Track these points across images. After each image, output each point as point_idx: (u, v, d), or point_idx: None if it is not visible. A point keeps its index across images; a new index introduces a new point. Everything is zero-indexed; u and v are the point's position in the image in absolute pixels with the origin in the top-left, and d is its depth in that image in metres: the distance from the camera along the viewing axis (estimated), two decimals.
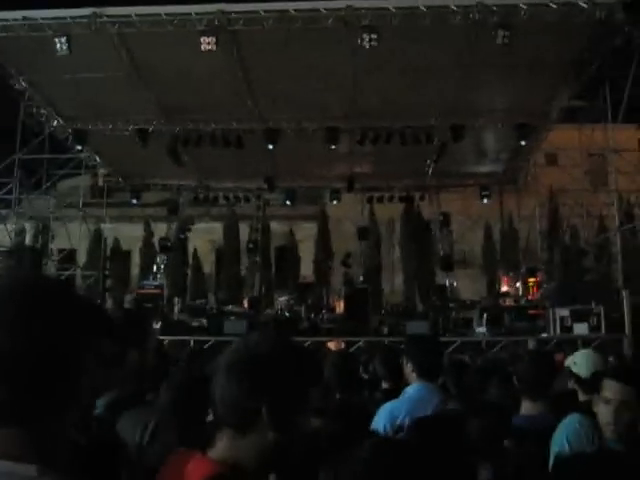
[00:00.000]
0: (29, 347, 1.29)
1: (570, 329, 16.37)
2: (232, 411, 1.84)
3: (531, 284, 21.01)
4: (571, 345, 14.81)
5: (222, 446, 1.85)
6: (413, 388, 4.47)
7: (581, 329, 16.27)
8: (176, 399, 2.95)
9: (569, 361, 4.82)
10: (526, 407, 4.12)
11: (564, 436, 3.47)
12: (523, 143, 19.28)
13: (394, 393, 4.71)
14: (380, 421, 4.19)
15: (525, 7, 14.09)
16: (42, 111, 19.10)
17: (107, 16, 14.80)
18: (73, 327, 1.36)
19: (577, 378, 4.70)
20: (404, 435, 3.51)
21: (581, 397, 4.58)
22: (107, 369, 2.47)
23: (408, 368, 4.55)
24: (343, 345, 16.84)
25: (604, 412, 3.20)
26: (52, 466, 1.29)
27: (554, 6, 13.98)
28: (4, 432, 1.30)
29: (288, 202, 24.63)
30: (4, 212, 24.76)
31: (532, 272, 21.62)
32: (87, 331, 1.39)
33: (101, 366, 1.46)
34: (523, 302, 19.93)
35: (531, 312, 18.39)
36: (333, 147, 18.72)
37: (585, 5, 13.90)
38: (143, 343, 2.91)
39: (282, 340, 2.00)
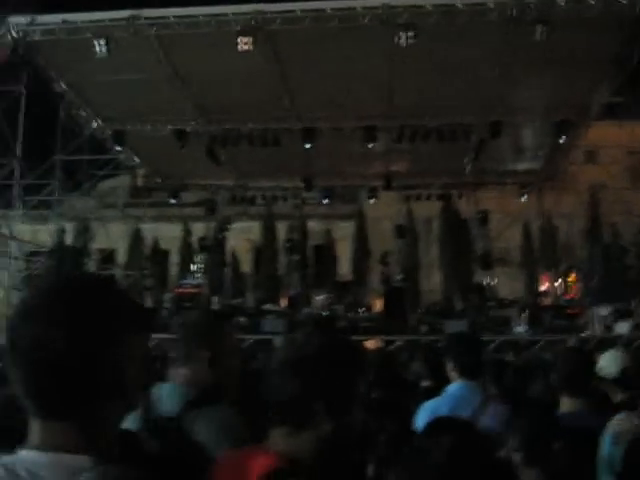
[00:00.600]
0: (74, 342, 1.33)
1: (611, 328, 16.20)
2: (289, 408, 1.87)
3: (571, 282, 20.81)
4: (612, 344, 14.66)
5: (279, 441, 1.88)
6: (454, 387, 4.46)
7: (622, 328, 16.07)
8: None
9: (601, 362, 4.76)
10: (565, 404, 4.07)
11: (614, 437, 3.42)
12: (562, 140, 19.06)
13: (435, 391, 4.70)
14: (422, 419, 4.18)
15: (563, 2, 13.96)
16: (82, 113, 19.33)
17: (145, 18, 14.94)
18: (116, 322, 1.40)
19: (607, 380, 4.64)
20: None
21: (618, 397, 4.51)
22: (155, 363, 2.54)
23: (449, 367, 4.54)
24: (381, 344, 16.84)
25: None
26: (105, 457, 1.33)
27: (593, 1, 13.83)
28: (58, 425, 1.35)
29: (325, 201, 24.70)
30: (45, 213, 25.15)
31: (572, 270, 21.41)
32: (129, 326, 1.43)
33: (147, 360, 1.50)
34: (563, 301, 19.73)
35: (571, 311, 18.21)
36: (370, 145, 18.70)
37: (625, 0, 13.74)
38: (218, 344, 2.94)
39: (329, 335, 2.03)
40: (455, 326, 16.73)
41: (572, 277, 20.99)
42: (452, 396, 4.37)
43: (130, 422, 1.73)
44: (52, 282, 1.48)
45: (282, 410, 1.88)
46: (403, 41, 14.05)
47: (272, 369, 1.96)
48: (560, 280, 21.85)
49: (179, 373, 2.89)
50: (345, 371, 1.92)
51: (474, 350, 4.65)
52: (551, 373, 4.37)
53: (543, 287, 22.87)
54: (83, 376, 1.33)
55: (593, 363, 4.43)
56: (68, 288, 1.43)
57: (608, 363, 4.69)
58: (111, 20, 15.03)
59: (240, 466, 1.86)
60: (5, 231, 22.47)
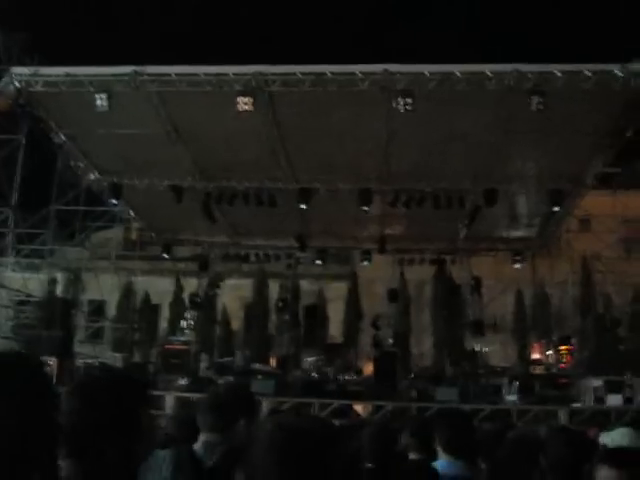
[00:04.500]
0: None
1: (603, 400, 16.00)
2: None
3: (563, 352, 20.63)
4: (604, 416, 14.47)
5: None
6: (440, 464, 4.35)
7: (614, 400, 15.87)
8: None
9: (604, 441, 4.58)
10: None
11: None
12: (556, 209, 19.12)
13: (422, 464, 4.59)
14: None
15: (560, 74, 14.14)
16: (79, 164, 19.37)
17: (147, 74, 15.06)
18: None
19: None
20: None
21: None
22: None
23: (437, 442, 4.44)
24: (369, 409, 16.64)
25: None
26: None
27: (589, 74, 14.02)
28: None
29: (319, 261, 24.68)
30: (37, 262, 25.06)
31: (564, 340, 21.28)
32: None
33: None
34: (555, 370, 19.55)
35: (563, 381, 18.02)
36: (365, 208, 18.73)
37: (620, 74, 13.93)
38: (252, 414, 3.41)
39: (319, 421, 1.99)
40: (445, 393, 16.55)
41: (565, 346, 20.81)
42: None
43: None
44: None
45: None
46: (401, 107, 14.17)
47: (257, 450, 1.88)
48: (552, 349, 21.68)
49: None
50: (332, 458, 1.87)
51: (463, 428, 4.53)
52: (540, 455, 4.20)
53: (535, 355, 22.73)
54: None
55: (589, 448, 4.21)
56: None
57: (619, 441, 4.44)
58: (113, 75, 15.16)
59: None
60: None
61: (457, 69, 14.50)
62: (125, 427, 1.60)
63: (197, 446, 3.37)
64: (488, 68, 14.50)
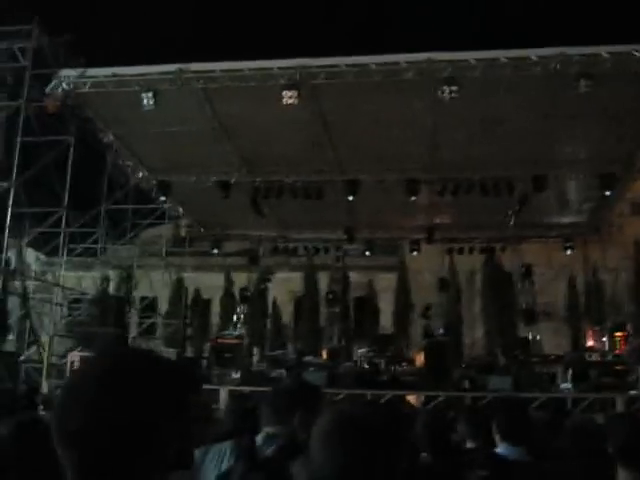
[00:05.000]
0: (116, 421, 1.29)
1: None
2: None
3: (618, 338, 20.29)
4: None
5: None
6: (499, 451, 4.33)
7: None
8: None
9: None
10: (623, 477, 3.85)
11: None
12: (607, 193, 18.82)
13: (479, 453, 4.57)
14: None
15: (608, 56, 13.89)
16: (128, 163, 19.64)
17: (192, 72, 15.19)
18: (157, 398, 1.35)
19: None
20: None
21: None
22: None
23: (494, 430, 4.41)
24: (422, 399, 16.58)
25: None
26: None
27: (638, 54, 13.75)
28: None
29: (367, 253, 24.70)
30: (90, 260, 25.45)
31: (618, 326, 20.93)
32: (171, 398, 1.38)
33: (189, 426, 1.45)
34: (610, 357, 19.24)
35: (618, 368, 17.73)
36: (413, 198, 18.65)
37: None
38: (314, 406, 3.26)
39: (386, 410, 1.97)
40: (498, 382, 16.41)
41: (619, 333, 20.47)
42: None
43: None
44: (95, 364, 1.44)
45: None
46: (446, 95, 14.07)
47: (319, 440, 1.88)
48: (607, 336, 21.34)
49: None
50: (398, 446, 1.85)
51: (520, 415, 4.50)
52: (607, 441, 4.13)
53: (589, 343, 22.41)
54: (124, 448, 1.30)
55: None
56: (114, 370, 1.38)
57: None
58: (159, 73, 15.33)
59: None
60: (50, 278, 22.74)
61: (502, 55, 14.33)
62: (174, 423, 1.45)
63: (258, 438, 3.39)
64: (533, 53, 14.30)
